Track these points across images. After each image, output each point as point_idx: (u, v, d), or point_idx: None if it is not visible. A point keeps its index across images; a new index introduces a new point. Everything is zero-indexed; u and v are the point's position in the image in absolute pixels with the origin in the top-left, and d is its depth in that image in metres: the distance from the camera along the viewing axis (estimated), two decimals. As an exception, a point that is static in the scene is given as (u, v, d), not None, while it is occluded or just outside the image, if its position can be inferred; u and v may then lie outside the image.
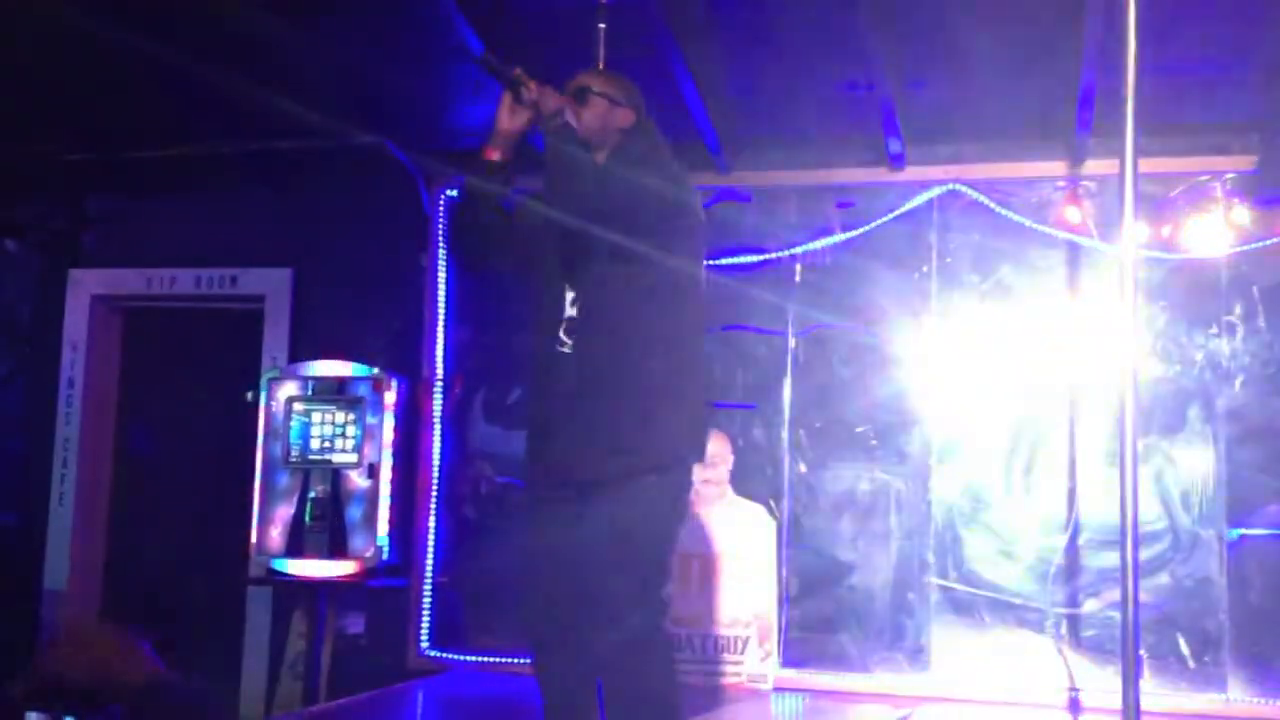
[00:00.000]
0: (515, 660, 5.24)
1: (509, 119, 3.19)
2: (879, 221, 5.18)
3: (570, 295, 3.16)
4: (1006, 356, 5.10)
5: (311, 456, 5.27)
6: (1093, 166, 5.00)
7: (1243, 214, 4.88)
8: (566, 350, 3.12)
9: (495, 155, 3.21)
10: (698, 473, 4.93)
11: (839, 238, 5.23)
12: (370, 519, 5.18)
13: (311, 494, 5.22)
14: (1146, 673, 4.67)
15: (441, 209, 5.63)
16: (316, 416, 5.29)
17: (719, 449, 4.99)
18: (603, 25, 4.03)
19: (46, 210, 6.36)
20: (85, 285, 6.20)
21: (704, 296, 3.25)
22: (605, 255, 3.06)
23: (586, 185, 3.04)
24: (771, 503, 5.16)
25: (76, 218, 6.33)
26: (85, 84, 5.30)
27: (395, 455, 5.30)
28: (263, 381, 5.42)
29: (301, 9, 4.48)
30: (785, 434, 5.25)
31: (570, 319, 3.14)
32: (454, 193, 5.59)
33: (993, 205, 5.08)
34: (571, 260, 3.15)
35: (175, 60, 4.73)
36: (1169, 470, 4.87)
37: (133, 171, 6.05)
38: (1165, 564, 4.82)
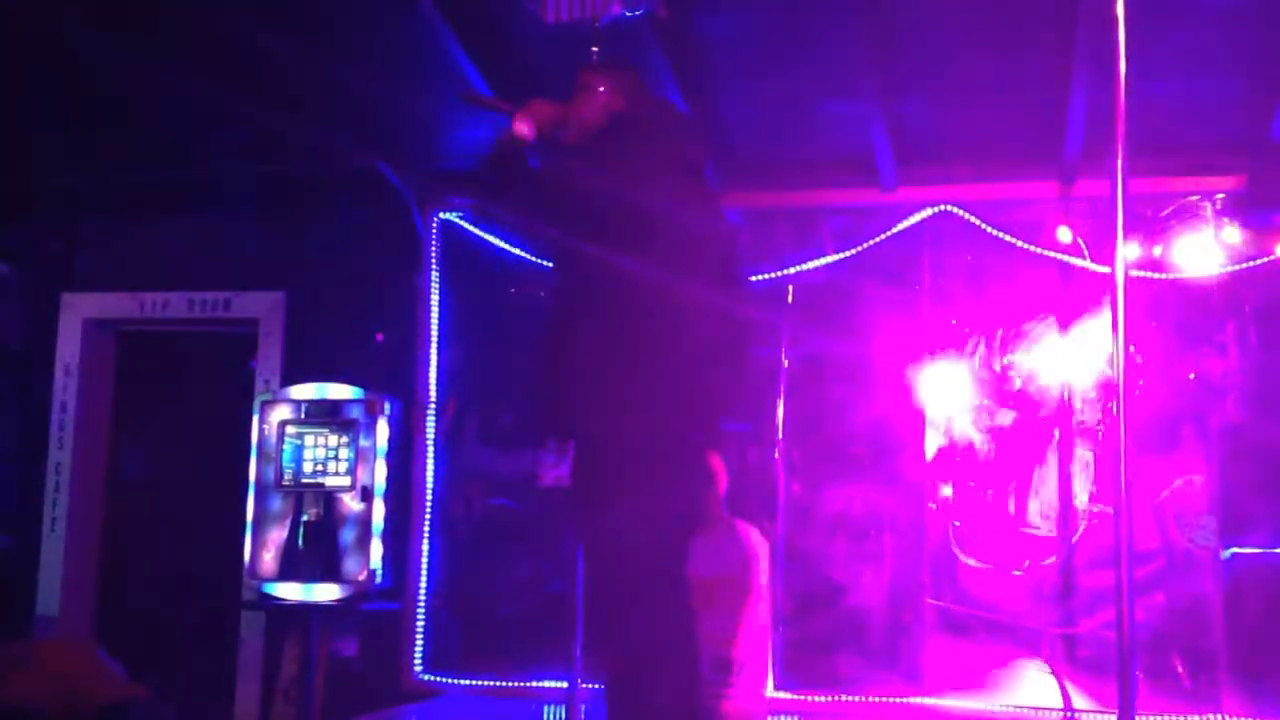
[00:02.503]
0: (509, 683, 5.23)
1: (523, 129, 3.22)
2: (871, 242, 5.20)
3: None
4: (999, 376, 5.11)
5: (304, 480, 5.25)
6: (1083, 187, 5.02)
7: (1233, 233, 4.90)
8: None
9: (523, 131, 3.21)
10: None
11: (832, 258, 5.24)
12: (363, 542, 5.17)
13: (304, 517, 5.21)
14: (1142, 692, 4.66)
15: (434, 230, 5.63)
16: (309, 439, 5.28)
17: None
18: (596, 49, 4.05)
19: (39, 234, 6.35)
20: (78, 309, 6.19)
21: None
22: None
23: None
24: (765, 523, 5.15)
25: (69, 241, 6.33)
26: (78, 107, 5.31)
27: (388, 478, 5.29)
28: (255, 404, 5.41)
29: (295, 31, 4.50)
30: (779, 454, 5.25)
31: None
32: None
33: (984, 226, 5.10)
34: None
35: (169, 83, 4.75)
36: (1163, 489, 4.87)
37: (125, 195, 6.05)
38: (1160, 583, 4.82)
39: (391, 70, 4.84)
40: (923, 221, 5.18)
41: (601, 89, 3.28)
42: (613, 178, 3.02)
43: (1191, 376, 4.93)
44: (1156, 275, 4.94)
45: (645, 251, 3.02)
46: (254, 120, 4.79)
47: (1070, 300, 5.09)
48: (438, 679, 5.34)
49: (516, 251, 5.50)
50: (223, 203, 6.00)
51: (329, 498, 5.22)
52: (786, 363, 5.28)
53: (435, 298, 5.61)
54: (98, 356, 6.26)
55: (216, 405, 6.13)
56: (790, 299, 5.30)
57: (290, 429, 5.29)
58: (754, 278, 5.27)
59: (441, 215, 5.63)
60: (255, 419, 5.36)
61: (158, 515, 6.20)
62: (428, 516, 5.47)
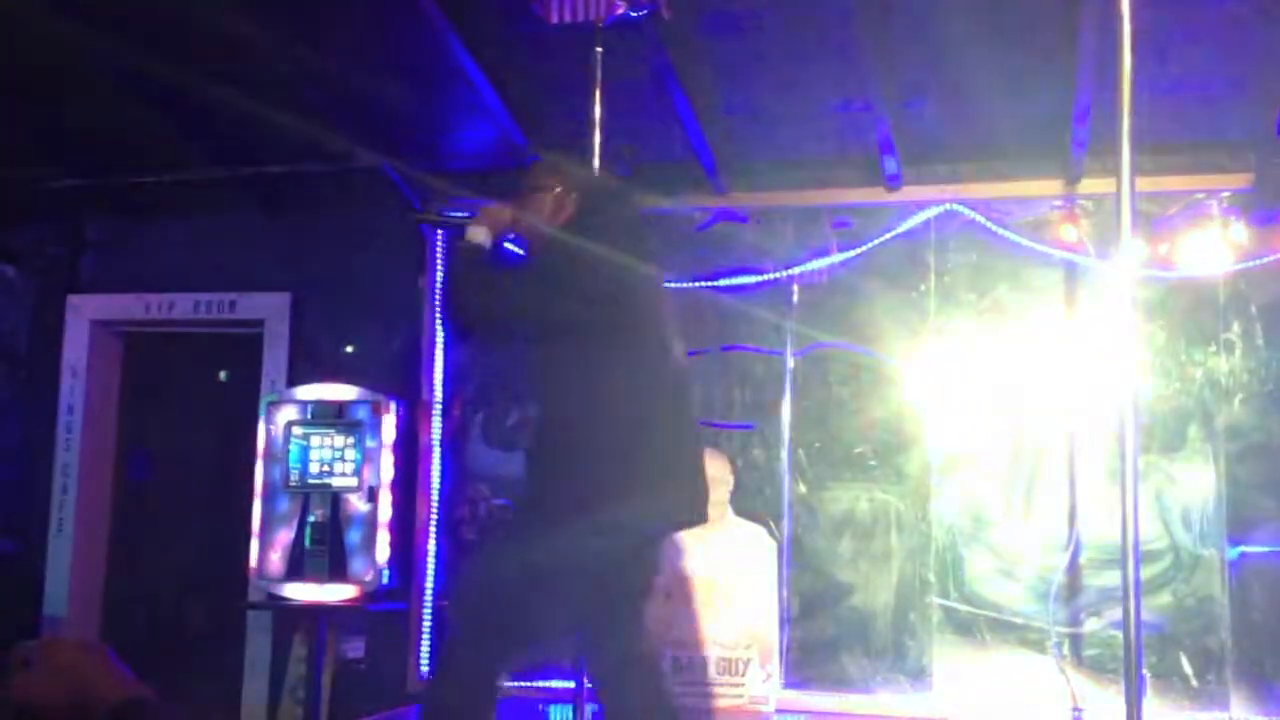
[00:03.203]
0: (514, 684, 5.22)
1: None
2: (876, 241, 5.19)
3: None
4: (1005, 375, 5.10)
5: (311, 480, 5.26)
6: (1089, 185, 5.01)
7: (1239, 232, 4.89)
8: None
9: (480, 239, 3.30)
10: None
11: (836, 258, 5.24)
12: (370, 543, 5.17)
13: (311, 518, 5.21)
14: (1149, 692, 4.66)
15: (439, 232, 5.63)
16: (316, 440, 5.28)
17: (719, 470, 4.99)
18: (599, 49, 4.05)
19: (44, 236, 6.37)
20: (84, 310, 6.20)
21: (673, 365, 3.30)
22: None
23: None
24: (771, 523, 5.15)
25: (75, 243, 6.34)
26: (82, 109, 5.32)
27: (394, 479, 5.29)
28: (262, 405, 5.42)
29: (300, 33, 4.51)
30: (784, 454, 5.24)
31: None
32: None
33: (990, 225, 5.09)
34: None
35: (173, 84, 4.75)
36: (1169, 488, 4.86)
37: (131, 196, 6.06)
38: (1167, 582, 4.81)
39: (395, 71, 4.84)
40: (928, 220, 5.17)
41: (554, 189, 3.34)
42: (570, 278, 3.10)
43: (1198, 375, 4.92)
44: (1163, 274, 4.92)
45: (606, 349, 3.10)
46: (258, 121, 4.80)
47: (1076, 299, 5.08)
48: (444, 679, 5.34)
49: (519, 252, 5.49)
50: (229, 204, 6.01)
51: (335, 498, 5.22)
52: (792, 362, 5.28)
53: (440, 298, 5.60)
54: (104, 358, 6.27)
55: (223, 406, 6.14)
56: (795, 298, 5.29)
57: (297, 430, 5.29)
58: (759, 277, 5.29)
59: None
60: (262, 420, 5.36)
61: (165, 516, 6.21)
62: (434, 517, 5.47)
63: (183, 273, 6.13)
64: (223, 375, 5.92)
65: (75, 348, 6.17)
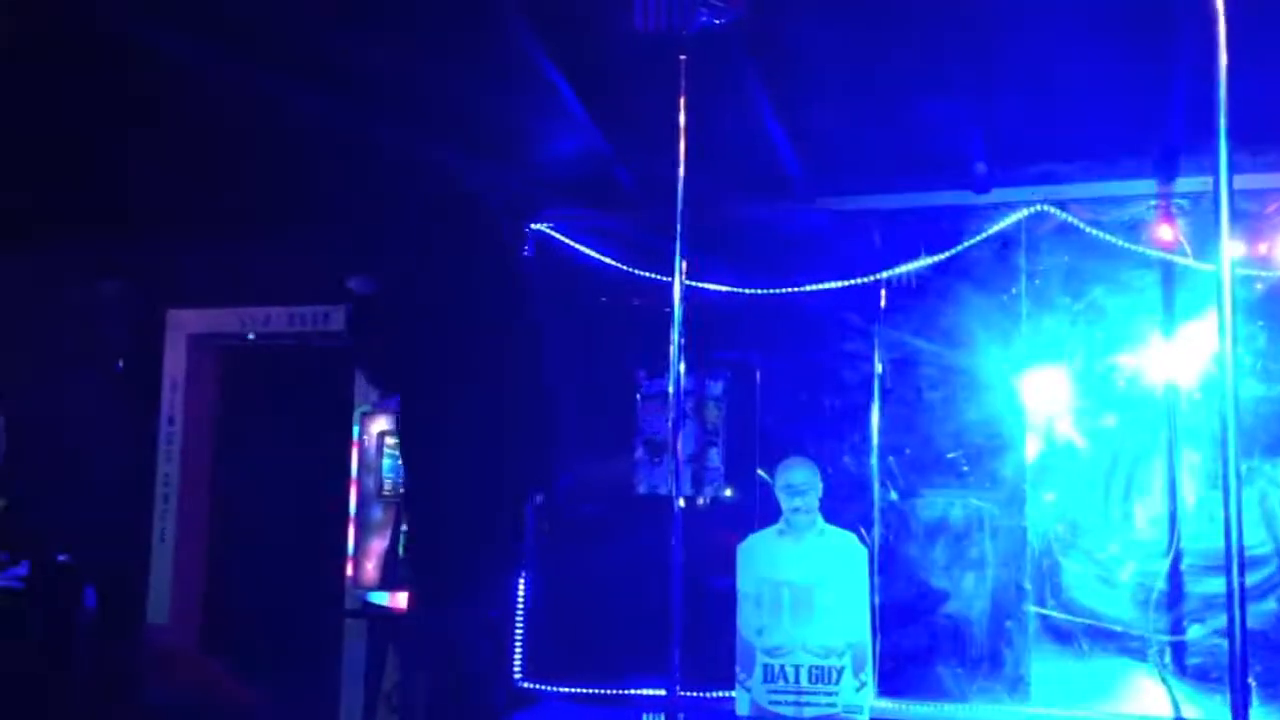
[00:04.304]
0: (607, 691, 5.24)
1: None
2: (966, 244, 5.13)
3: None
4: (1102, 378, 5.01)
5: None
6: (1185, 184, 4.91)
7: (1343, 228, 4.76)
8: None
9: None
10: (787, 501, 4.93)
11: (925, 261, 5.18)
12: (462, 551, 5.20)
13: (404, 527, 5.27)
14: (1255, 701, 4.54)
15: (527, 241, 5.68)
16: (408, 450, 5.34)
17: (809, 477, 4.96)
18: (684, 56, 4.05)
19: (144, 252, 6.51)
20: (183, 325, 6.35)
21: None
22: None
23: None
24: (863, 530, 5.11)
25: (173, 258, 6.48)
26: (180, 124, 5.44)
27: (485, 487, 5.33)
28: (355, 416, 5.50)
29: (391, 45, 4.57)
30: (875, 461, 5.20)
31: None
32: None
33: (1083, 225, 5.00)
34: None
35: (269, 99, 4.85)
36: (1273, 493, 4.74)
37: (227, 211, 6.18)
38: (1272, 589, 4.69)
39: (483, 83, 4.88)
40: (1019, 221, 5.10)
41: None
42: None
43: (1302, 376, 4.80)
44: (1263, 273, 4.80)
45: None
46: (350, 135, 4.87)
47: (1173, 299, 4.97)
48: (537, 686, 5.38)
49: (608, 261, 5.52)
50: (322, 217, 6.10)
51: (427, 507, 5.27)
52: (880, 367, 5.23)
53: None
54: (202, 371, 6.41)
55: (318, 417, 6.24)
56: (883, 303, 5.25)
57: (389, 440, 5.36)
58: (847, 282, 5.25)
59: (533, 226, 5.68)
60: (355, 430, 5.44)
61: (262, 526, 6.33)
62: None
63: (278, 287, 6.24)
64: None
65: (175, 361, 6.32)
